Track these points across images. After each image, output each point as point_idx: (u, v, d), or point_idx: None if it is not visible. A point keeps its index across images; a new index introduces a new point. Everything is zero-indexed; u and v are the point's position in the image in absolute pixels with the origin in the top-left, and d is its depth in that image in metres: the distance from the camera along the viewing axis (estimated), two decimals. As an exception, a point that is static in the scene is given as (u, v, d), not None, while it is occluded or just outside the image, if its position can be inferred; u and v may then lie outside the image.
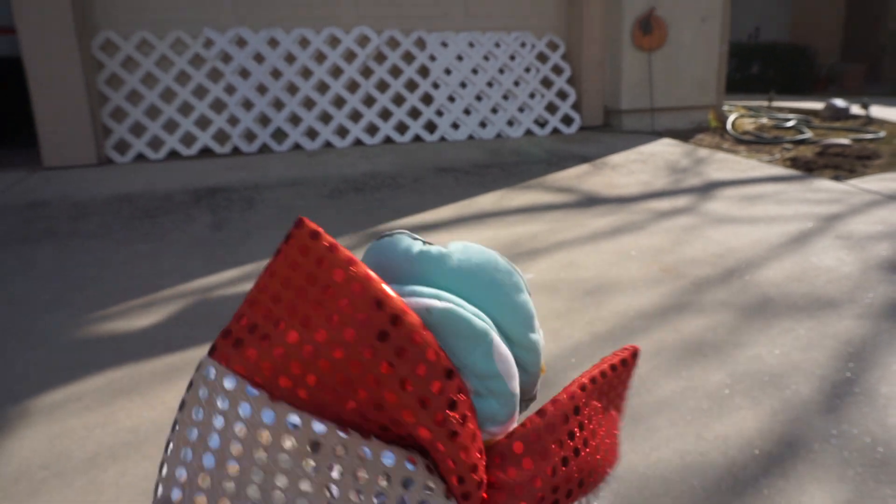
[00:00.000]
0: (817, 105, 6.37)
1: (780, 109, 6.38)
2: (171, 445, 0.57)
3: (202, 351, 1.70)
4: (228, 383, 0.55)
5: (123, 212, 2.92)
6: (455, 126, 4.63)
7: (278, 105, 4.28)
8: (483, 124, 4.70)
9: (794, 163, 4.03)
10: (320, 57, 4.37)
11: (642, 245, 2.51)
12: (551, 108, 4.94)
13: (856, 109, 5.74)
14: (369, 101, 4.48)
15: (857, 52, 11.13)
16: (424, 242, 0.66)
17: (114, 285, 2.17)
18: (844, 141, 4.48)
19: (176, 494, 0.54)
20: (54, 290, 2.13)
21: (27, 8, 3.53)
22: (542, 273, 2.24)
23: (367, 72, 4.48)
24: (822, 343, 1.72)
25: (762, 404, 1.45)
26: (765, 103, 6.59)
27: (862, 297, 2.00)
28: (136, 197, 3.12)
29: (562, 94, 4.97)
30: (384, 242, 0.68)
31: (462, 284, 0.62)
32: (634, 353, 0.67)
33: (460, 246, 0.65)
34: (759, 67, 10.05)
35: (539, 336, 0.67)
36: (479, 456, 0.55)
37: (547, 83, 4.94)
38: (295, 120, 4.33)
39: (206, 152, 4.11)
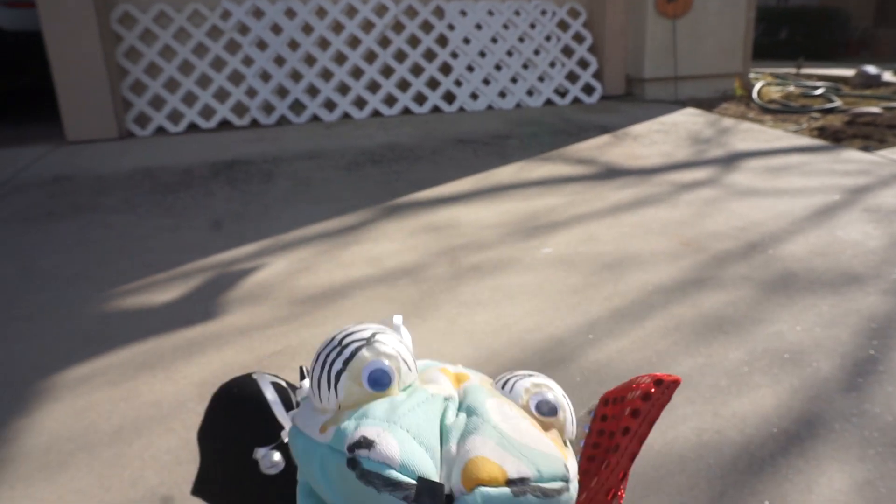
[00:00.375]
0: (848, 72, 6.18)
1: (809, 77, 6.20)
2: None
3: (222, 326, 1.73)
4: None
5: (145, 186, 2.95)
6: (474, 96, 4.58)
7: (296, 76, 4.25)
8: (503, 94, 4.64)
9: (821, 132, 3.92)
10: (337, 27, 4.32)
11: (663, 218, 2.48)
12: (572, 78, 4.85)
13: (889, 77, 5.56)
14: (387, 71, 4.44)
15: (891, 16, 10.73)
16: (432, 497, 0.50)
17: (136, 260, 2.20)
18: (875, 109, 4.35)
19: None
20: (78, 265, 2.17)
21: (45, -19, 3.53)
22: (561, 247, 2.23)
23: (384, 42, 4.42)
24: (846, 320, 1.70)
25: (782, 382, 1.44)
26: (793, 70, 6.40)
27: (889, 272, 1.96)
28: (157, 171, 3.14)
29: (583, 63, 4.88)
30: None
31: None
32: (672, 384, 0.60)
33: None
34: (787, 32, 9.75)
35: None
36: None
37: (568, 52, 4.85)
38: (313, 91, 4.31)
39: (224, 125, 4.11)
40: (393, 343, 0.58)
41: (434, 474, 0.49)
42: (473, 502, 0.48)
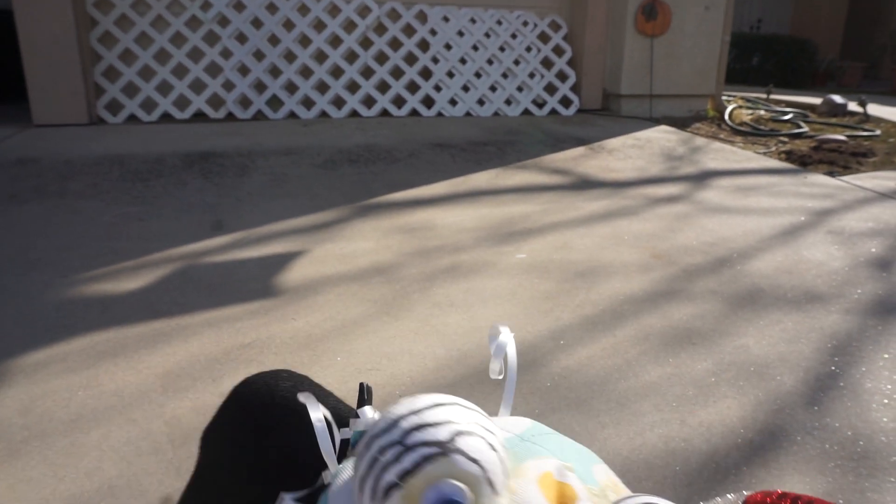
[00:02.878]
0: (815, 100, 6.36)
1: (778, 102, 6.37)
2: None
3: (190, 318, 1.69)
4: None
5: (114, 173, 2.87)
6: (453, 102, 4.59)
7: (275, 72, 4.21)
8: (481, 102, 4.65)
9: (789, 156, 4.03)
10: (319, 25, 4.29)
11: (635, 230, 2.51)
12: (550, 89, 4.90)
13: (853, 106, 5.74)
14: (367, 72, 4.42)
15: (857, 49, 11.10)
16: None
17: (102, 247, 2.14)
18: (840, 137, 4.48)
19: None
20: (41, 250, 2.10)
21: (19, -42, 3.44)
22: (535, 254, 2.24)
23: (366, 43, 4.41)
24: (809, 336, 1.73)
25: (747, 394, 1.46)
26: (763, 95, 6.57)
27: (850, 292, 2.01)
28: (128, 158, 3.07)
29: (562, 76, 4.93)
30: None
31: None
32: None
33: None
34: (759, 59, 10.00)
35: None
36: None
37: (547, 64, 4.89)
38: (291, 88, 4.26)
39: (199, 116, 4.04)
40: (481, 449, 0.40)
41: None
42: None
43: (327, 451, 0.56)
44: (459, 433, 0.39)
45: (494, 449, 0.40)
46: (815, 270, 2.17)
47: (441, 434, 0.38)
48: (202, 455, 0.75)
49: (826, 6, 11.40)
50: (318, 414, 0.57)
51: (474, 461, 0.38)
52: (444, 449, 0.38)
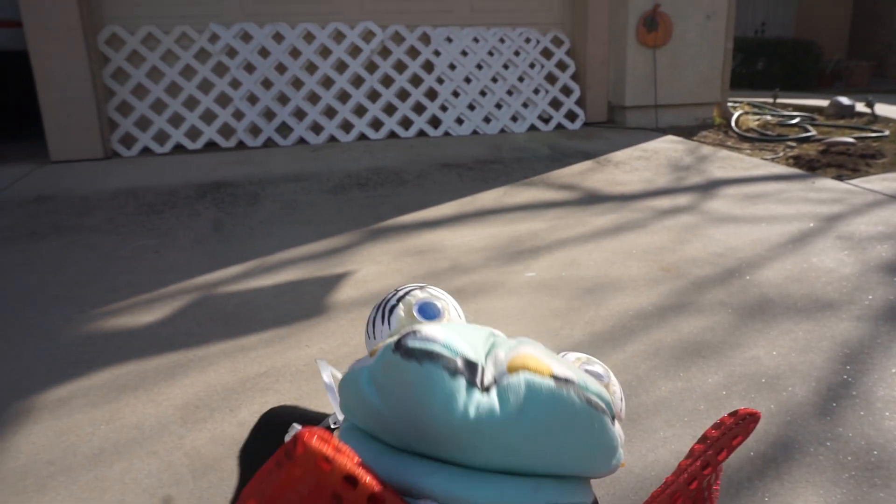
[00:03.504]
0: (822, 102, 6.35)
1: (785, 106, 6.36)
2: None
3: (206, 348, 1.73)
4: None
5: (129, 207, 2.94)
6: (459, 121, 4.64)
7: (283, 99, 4.29)
8: (487, 120, 4.70)
9: (797, 161, 4.02)
10: (325, 52, 4.37)
11: (643, 244, 2.52)
12: (555, 104, 4.94)
13: (861, 107, 5.72)
14: (374, 95, 4.49)
15: (862, 49, 11.07)
16: (470, 374, 0.47)
17: (119, 281, 2.20)
18: (848, 139, 4.47)
19: None
20: (60, 285, 2.16)
21: (33, 1, 3.54)
22: (543, 271, 2.26)
23: (371, 66, 4.48)
24: (820, 345, 1.74)
25: (759, 406, 1.47)
26: (769, 100, 6.56)
27: (861, 299, 2.01)
28: (142, 191, 3.14)
29: (566, 90, 4.97)
30: (420, 380, 0.47)
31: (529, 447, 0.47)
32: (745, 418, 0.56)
33: (519, 397, 0.47)
34: (764, 63, 10.00)
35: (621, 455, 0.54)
36: None
37: (551, 79, 4.94)
38: (300, 114, 4.34)
39: (211, 146, 4.12)
40: (444, 292, 0.65)
41: (476, 362, 0.48)
42: (516, 383, 0.47)
43: (332, 396, 0.73)
44: (429, 286, 0.64)
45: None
46: (824, 278, 2.17)
47: (419, 285, 0.63)
48: (240, 472, 0.86)
49: (831, 5, 11.39)
50: (326, 374, 0.75)
51: (442, 294, 0.64)
52: (422, 288, 0.63)
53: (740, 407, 0.58)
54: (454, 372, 0.47)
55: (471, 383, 0.47)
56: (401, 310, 0.62)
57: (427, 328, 0.49)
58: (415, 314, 0.61)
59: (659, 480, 1.23)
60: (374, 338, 0.62)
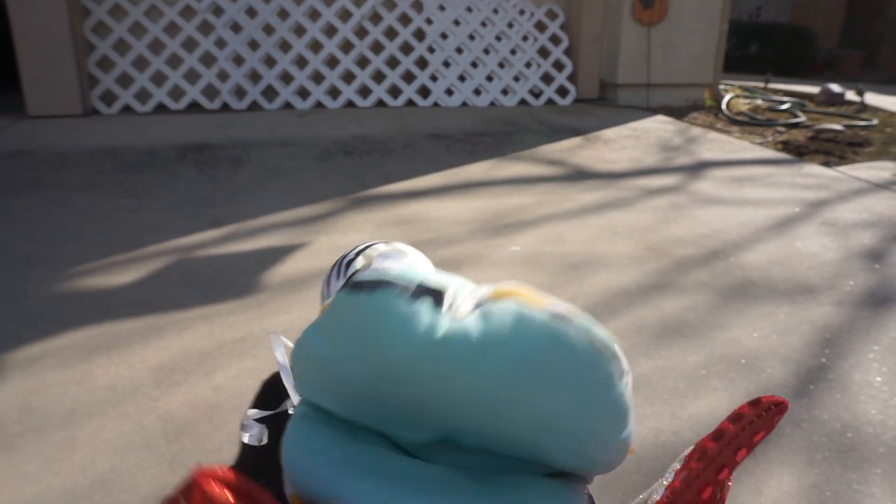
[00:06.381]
0: (813, 89, 6.35)
1: (776, 91, 6.36)
2: None
3: (183, 312, 1.70)
4: None
5: (108, 165, 2.87)
6: (449, 92, 4.57)
7: (270, 62, 4.19)
8: (477, 92, 4.64)
9: (785, 146, 4.03)
10: (314, 14, 4.27)
11: (629, 222, 2.51)
12: (547, 79, 4.88)
13: (851, 95, 5.73)
14: (363, 62, 4.40)
15: (856, 38, 11.07)
16: (435, 299, 0.40)
17: (96, 240, 2.15)
18: (837, 127, 4.48)
19: None
20: (35, 244, 2.11)
21: (11, -52, 3.41)
22: (528, 245, 2.24)
23: (361, 32, 4.39)
24: (800, 328, 1.74)
25: (738, 387, 1.47)
26: (761, 84, 6.55)
27: (842, 284, 2.02)
28: (122, 150, 3.06)
29: (558, 65, 4.91)
30: (372, 308, 0.41)
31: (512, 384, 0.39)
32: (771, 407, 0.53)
33: (508, 318, 0.39)
34: (757, 47, 9.97)
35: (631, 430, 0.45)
36: None
37: (544, 53, 4.87)
38: (286, 78, 4.25)
39: (194, 107, 4.03)
40: (412, 249, 0.59)
41: (441, 289, 0.41)
42: (502, 309, 0.37)
43: (286, 375, 0.70)
44: (396, 242, 0.56)
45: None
46: (807, 262, 2.18)
47: (384, 241, 0.56)
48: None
49: (826, -6, 11.36)
50: (280, 352, 0.72)
51: (408, 248, 0.60)
52: (387, 242, 0.58)
53: (763, 395, 0.51)
54: (414, 295, 0.41)
55: (437, 304, 0.40)
56: (359, 262, 0.55)
57: (378, 264, 0.45)
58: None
59: (636, 457, 1.23)
60: (330, 295, 0.55)
